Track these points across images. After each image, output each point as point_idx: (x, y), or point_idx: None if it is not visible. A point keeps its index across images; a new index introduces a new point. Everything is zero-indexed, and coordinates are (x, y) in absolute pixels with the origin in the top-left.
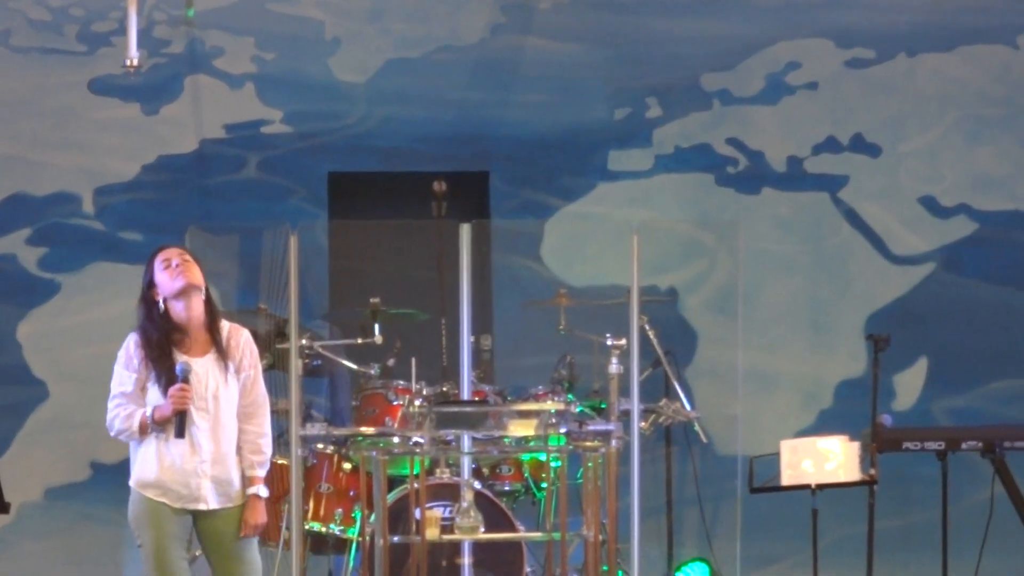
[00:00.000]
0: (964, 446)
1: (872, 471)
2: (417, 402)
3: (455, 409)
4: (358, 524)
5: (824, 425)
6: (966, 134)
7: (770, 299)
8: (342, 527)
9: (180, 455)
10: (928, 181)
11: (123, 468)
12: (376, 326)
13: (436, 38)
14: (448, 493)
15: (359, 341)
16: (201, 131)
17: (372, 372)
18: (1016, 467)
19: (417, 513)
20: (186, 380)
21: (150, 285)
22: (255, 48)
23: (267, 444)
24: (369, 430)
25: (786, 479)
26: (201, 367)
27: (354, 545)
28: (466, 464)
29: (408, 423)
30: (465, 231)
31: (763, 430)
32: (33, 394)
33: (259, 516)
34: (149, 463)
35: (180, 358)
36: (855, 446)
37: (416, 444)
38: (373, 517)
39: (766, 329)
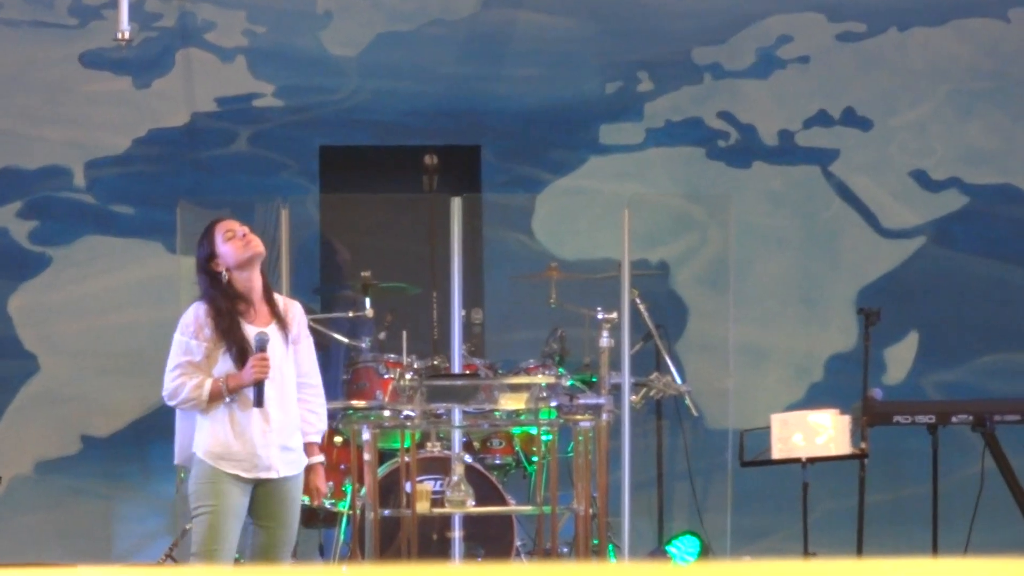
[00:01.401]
0: (954, 420)
1: (863, 445)
2: (408, 376)
3: (446, 383)
4: (349, 498)
5: (815, 399)
6: (957, 108)
7: (761, 273)
8: (333, 501)
9: (253, 425)
10: (919, 155)
11: (114, 442)
12: (367, 300)
13: (427, 12)
14: (439, 467)
15: (350, 314)
16: (192, 105)
17: (363, 346)
18: (1006, 441)
19: (408, 487)
20: (263, 349)
21: (210, 256)
22: (246, 22)
23: (324, 413)
24: (360, 403)
25: (777, 453)
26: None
27: (345, 519)
28: (457, 438)
29: (399, 397)
30: (456, 205)
31: (754, 404)
32: (24, 367)
33: (324, 482)
34: (221, 434)
35: (247, 328)
36: (846, 420)
37: (407, 418)
38: (364, 491)
39: (757, 303)
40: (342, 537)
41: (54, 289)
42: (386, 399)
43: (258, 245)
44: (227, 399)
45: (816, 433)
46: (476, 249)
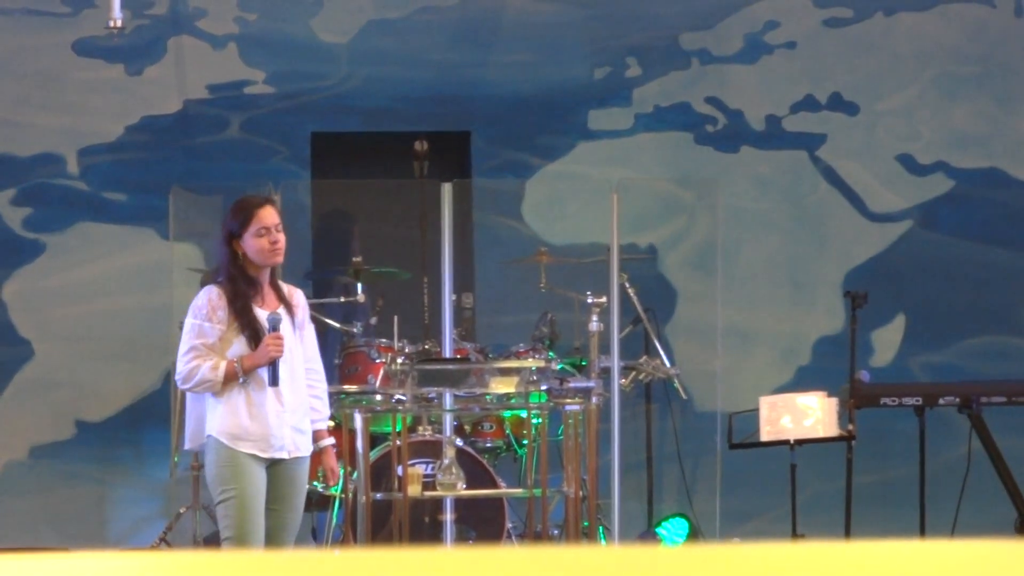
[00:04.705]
0: (941, 402)
1: (850, 427)
2: (399, 360)
3: (437, 367)
4: (341, 481)
5: (802, 381)
6: (943, 92)
7: (749, 257)
8: (325, 484)
9: (268, 405)
10: (905, 139)
11: (107, 427)
12: (359, 285)
13: None
14: (430, 450)
15: (341, 300)
16: (184, 92)
17: (355, 330)
18: (992, 422)
19: (399, 470)
20: (275, 329)
21: (236, 236)
22: (237, 9)
23: (327, 400)
24: (352, 388)
25: (765, 435)
26: None
27: (337, 502)
28: (448, 421)
29: (390, 381)
30: (447, 190)
31: (742, 387)
32: (18, 353)
33: (337, 465)
34: (239, 415)
35: (258, 311)
36: (833, 402)
37: (398, 402)
38: (356, 474)
39: (745, 286)
40: (334, 520)
41: (48, 275)
42: (378, 383)
43: (282, 254)
44: (241, 380)
45: (804, 415)
46: (466, 234)
